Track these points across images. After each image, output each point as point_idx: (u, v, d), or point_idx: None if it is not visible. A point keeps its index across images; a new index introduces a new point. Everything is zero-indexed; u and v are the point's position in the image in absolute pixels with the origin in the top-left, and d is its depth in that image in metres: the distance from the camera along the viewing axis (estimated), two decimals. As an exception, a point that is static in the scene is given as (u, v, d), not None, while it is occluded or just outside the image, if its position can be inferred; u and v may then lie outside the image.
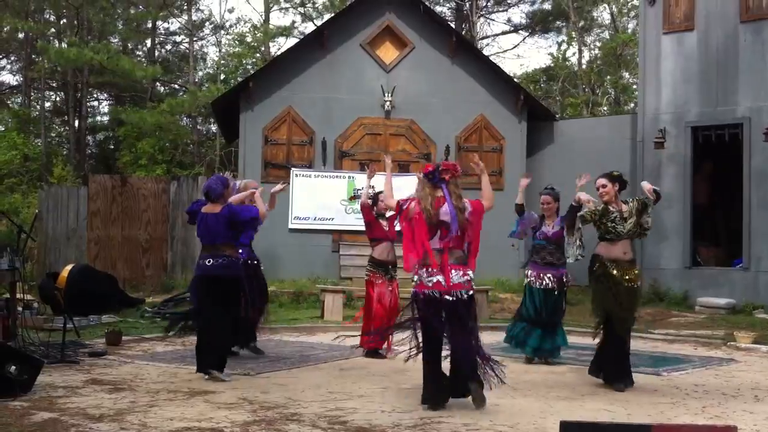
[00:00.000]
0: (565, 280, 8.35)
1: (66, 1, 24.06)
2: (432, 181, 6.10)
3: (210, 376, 6.98)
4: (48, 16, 27.17)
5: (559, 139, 16.87)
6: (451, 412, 5.80)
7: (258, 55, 27.66)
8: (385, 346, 8.43)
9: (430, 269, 5.97)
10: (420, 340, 6.06)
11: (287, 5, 28.56)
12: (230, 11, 46.76)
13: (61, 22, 26.55)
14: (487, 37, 30.55)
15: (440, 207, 6.01)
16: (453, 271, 5.96)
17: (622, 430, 4.15)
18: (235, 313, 7.33)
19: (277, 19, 40.90)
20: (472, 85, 16.42)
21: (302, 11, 28.83)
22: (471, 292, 6.06)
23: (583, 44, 28.38)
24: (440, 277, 5.95)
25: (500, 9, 31.06)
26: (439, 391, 5.97)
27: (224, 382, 6.88)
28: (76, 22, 25.96)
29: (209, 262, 7.18)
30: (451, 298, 5.94)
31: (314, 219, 15.64)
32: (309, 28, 27.35)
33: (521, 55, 50.36)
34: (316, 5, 28.72)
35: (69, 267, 11.20)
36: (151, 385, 6.76)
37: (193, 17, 28.81)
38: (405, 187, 14.87)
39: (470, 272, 6.08)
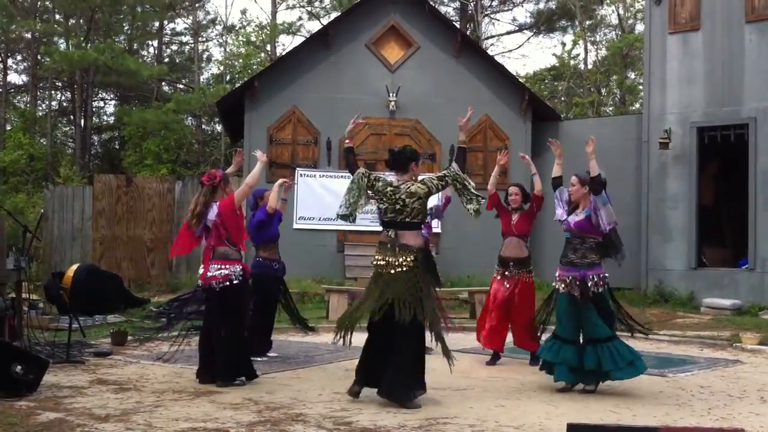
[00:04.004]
0: (590, 283, 6.64)
1: (79, 2, 24.03)
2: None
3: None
4: (56, 16, 27.18)
5: (564, 140, 16.72)
6: (456, 413, 5.79)
7: (263, 55, 27.67)
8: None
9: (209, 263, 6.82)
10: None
11: (293, 3, 28.58)
12: (243, 12, 46.89)
13: (70, 23, 26.53)
14: (491, 36, 30.55)
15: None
16: (212, 265, 6.76)
17: (630, 432, 4.13)
18: None
19: (284, 16, 40.93)
20: (476, 85, 16.42)
21: (309, 10, 28.83)
22: (228, 284, 6.72)
23: (590, 44, 28.32)
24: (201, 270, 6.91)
25: (505, 8, 31.06)
26: (205, 369, 6.83)
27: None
28: (82, 21, 25.98)
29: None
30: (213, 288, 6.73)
31: (319, 219, 15.64)
32: (314, 26, 27.39)
33: (526, 55, 50.42)
34: (324, 4, 28.74)
35: (74, 267, 11.21)
36: (157, 385, 6.78)
37: (201, 18, 28.85)
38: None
39: (228, 267, 6.76)
